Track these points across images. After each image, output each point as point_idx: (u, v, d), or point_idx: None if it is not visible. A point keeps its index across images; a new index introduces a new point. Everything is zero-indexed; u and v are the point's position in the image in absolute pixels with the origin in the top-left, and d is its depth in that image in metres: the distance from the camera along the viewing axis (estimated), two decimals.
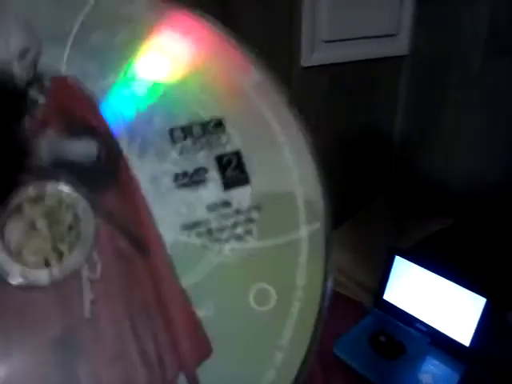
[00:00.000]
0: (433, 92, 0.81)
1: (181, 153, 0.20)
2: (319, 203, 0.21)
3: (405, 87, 0.86)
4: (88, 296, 0.17)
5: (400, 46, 0.82)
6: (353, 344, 0.64)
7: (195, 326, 0.17)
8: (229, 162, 0.20)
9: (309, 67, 0.76)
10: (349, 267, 0.73)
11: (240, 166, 0.20)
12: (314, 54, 0.76)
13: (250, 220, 0.19)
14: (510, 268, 0.67)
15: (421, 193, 0.87)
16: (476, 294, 0.60)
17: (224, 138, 0.20)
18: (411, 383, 0.59)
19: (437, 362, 0.62)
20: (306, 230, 0.20)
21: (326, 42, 0.76)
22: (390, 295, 0.69)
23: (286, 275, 0.19)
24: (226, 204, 0.19)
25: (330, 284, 0.19)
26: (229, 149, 0.20)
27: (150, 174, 0.19)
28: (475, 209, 0.77)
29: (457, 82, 0.76)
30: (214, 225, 0.19)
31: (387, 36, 0.80)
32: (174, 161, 0.19)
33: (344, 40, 0.77)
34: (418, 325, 0.65)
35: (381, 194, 0.91)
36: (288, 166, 0.20)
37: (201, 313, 0.18)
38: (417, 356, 0.62)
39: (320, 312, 0.19)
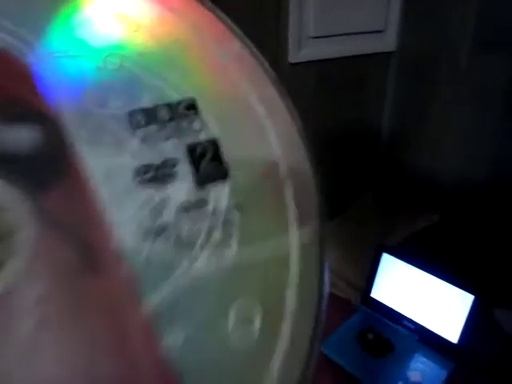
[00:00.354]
0: (421, 88, 0.78)
1: (143, 141, 0.15)
2: (312, 200, 0.16)
3: (392, 83, 0.83)
4: (26, 321, 0.13)
5: (387, 42, 0.79)
6: (341, 342, 0.61)
7: (160, 362, 0.13)
8: (203, 153, 0.15)
9: (296, 63, 0.73)
10: (337, 265, 0.70)
11: (217, 158, 0.15)
12: (301, 50, 0.73)
13: (230, 222, 0.15)
14: (497, 265, 0.65)
15: (408, 189, 0.85)
16: (464, 290, 0.57)
17: (197, 123, 0.15)
18: (399, 381, 0.56)
19: (425, 360, 0.59)
20: (297, 234, 0.16)
21: (314, 38, 0.73)
22: (377, 293, 0.66)
23: (274, 292, 0.15)
24: (201, 204, 0.15)
25: (325, 301, 0.15)
26: (203, 136, 0.15)
27: (106, 167, 0.14)
28: (462, 205, 0.75)
29: (445, 78, 0.73)
30: (185, 230, 0.14)
31: (374, 32, 0.77)
32: (135, 151, 0.15)
33: (331, 36, 0.74)
34: (405, 322, 0.63)
35: (368, 190, 0.89)
36: (275, 155, 0.16)
37: (169, 341, 0.14)
38: (405, 353, 0.60)
39: (314, 338, 0.15)
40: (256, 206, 0.16)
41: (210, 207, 0.15)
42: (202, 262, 0.14)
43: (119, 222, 0.14)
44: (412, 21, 0.76)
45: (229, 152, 0.16)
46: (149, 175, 0.14)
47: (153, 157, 0.15)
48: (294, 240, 0.16)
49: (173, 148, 0.15)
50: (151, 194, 0.14)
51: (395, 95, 0.83)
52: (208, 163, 0.15)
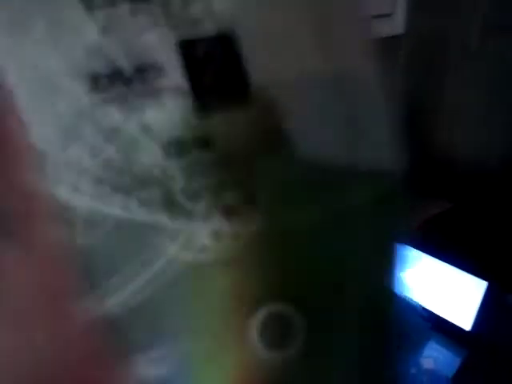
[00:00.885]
0: (430, 72, 0.71)
1: (105, 30, 0.07)
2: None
3: (402, 67, 0.76)
4: None
5: (396, 25, 0.73)
6: None
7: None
8: (208, 57, 0.07)
9: None
10: None
11: (231, 66, 0.08)
12: None
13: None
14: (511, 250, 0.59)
15: (421, 175, 0.78)
16: (477, 277, 0.53)
17: (198, 4, 0.08)
18: (413, 368, 0.52)
19: (438, 347, 0.55)
20: None
21: None
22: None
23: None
24: (200, 144, 0.07)
25: None
26: (209, 26, 0.08)
27: (40, 71, 0.07)
28: (475, 191, 0.69)
29: (455, 60, 0.67)
30: (177, 182, 0.07)
31: (383, 16, 0.71)
32: (91, 46, 0.07)
33: None
34: (418, 310, 0.57)
35: None
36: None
37: (150, 370, 0.07)
38: (418, 341, 0.55)
39: None
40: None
41: (218, 147, 0.07)
42: (202, 239, 0.07)
43: (61, 165, 0.07)
44: (421, 3, 0.69)
45: (253, 58, 0.08)
46: (114, 89, 0.07)
47: (120, 58, 0.07)
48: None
49: (155, 44, 0.07)
50: (117, 120, 0.07)
51: (405, 79, 0.76)
52: (214, 76, 0.08)
